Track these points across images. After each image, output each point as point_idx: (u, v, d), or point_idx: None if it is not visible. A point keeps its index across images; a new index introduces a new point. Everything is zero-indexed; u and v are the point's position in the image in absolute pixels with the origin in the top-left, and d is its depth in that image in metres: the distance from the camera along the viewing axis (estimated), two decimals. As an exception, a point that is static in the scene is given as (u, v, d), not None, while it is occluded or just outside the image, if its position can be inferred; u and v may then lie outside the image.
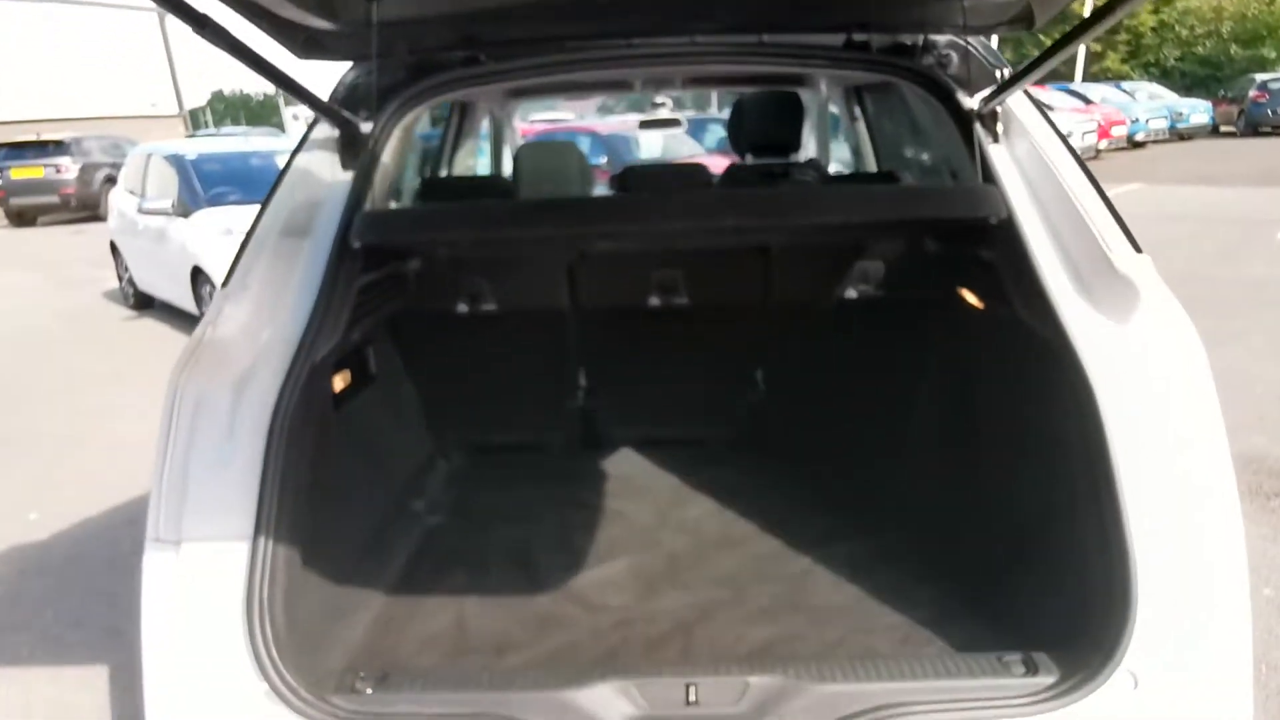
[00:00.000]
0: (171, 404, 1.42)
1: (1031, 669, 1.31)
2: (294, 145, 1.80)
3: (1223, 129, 20.10)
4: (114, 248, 8.03)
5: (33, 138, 15.78)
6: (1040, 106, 1.72)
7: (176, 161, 7.27)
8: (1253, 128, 18.93)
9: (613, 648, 1.63)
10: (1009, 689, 1.27)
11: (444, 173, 3.65)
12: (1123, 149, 18.10)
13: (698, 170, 2.47)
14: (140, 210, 6.93)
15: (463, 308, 2.32)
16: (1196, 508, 1.30)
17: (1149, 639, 1.25)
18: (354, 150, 1.73)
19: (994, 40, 1.91)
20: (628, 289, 2.31)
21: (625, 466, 2.51)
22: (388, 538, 2.01)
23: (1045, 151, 1.60)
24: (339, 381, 1.84)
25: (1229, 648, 1.25)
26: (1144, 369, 1.36)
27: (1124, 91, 20.23)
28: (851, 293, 2.27)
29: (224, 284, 1.54)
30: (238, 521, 1.38)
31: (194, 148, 8.07)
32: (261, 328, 1.52)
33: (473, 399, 2.57)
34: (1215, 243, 8.45)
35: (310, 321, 1.54)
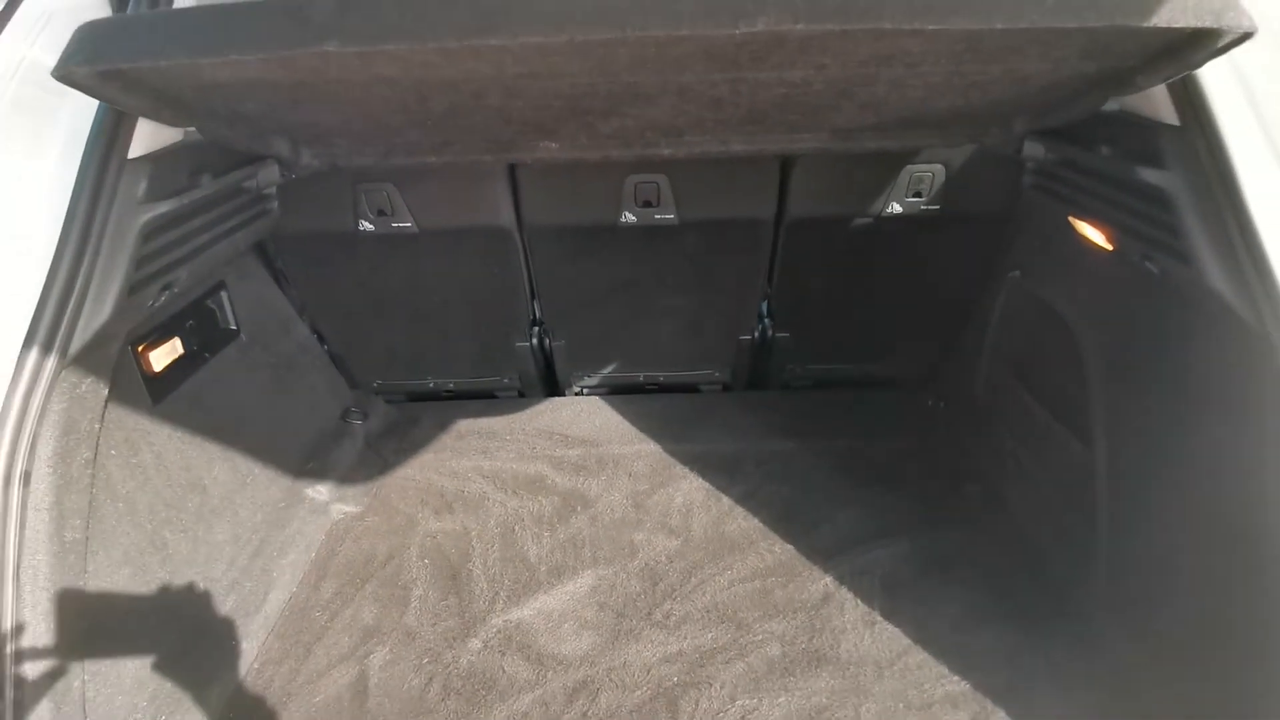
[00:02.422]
0: None
1: None
2: None
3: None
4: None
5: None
6: None
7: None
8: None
9: None
10: None
11: None
12: None
13: None
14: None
15: (367, 225, 1.68)
16: None
17: None
18: None
19: None
20: (593, 201, 1.68)
21: (593, 424, 1.98)
22: (273, 552, 1.49)
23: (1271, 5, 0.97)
24: (160, 358, 1.25)
25: None
26: None
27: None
28: (895, 207, 1.66)
29: None
30: None
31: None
32: None
33: (393, 337, 1.98)
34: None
35: (46, 293, 0.93)
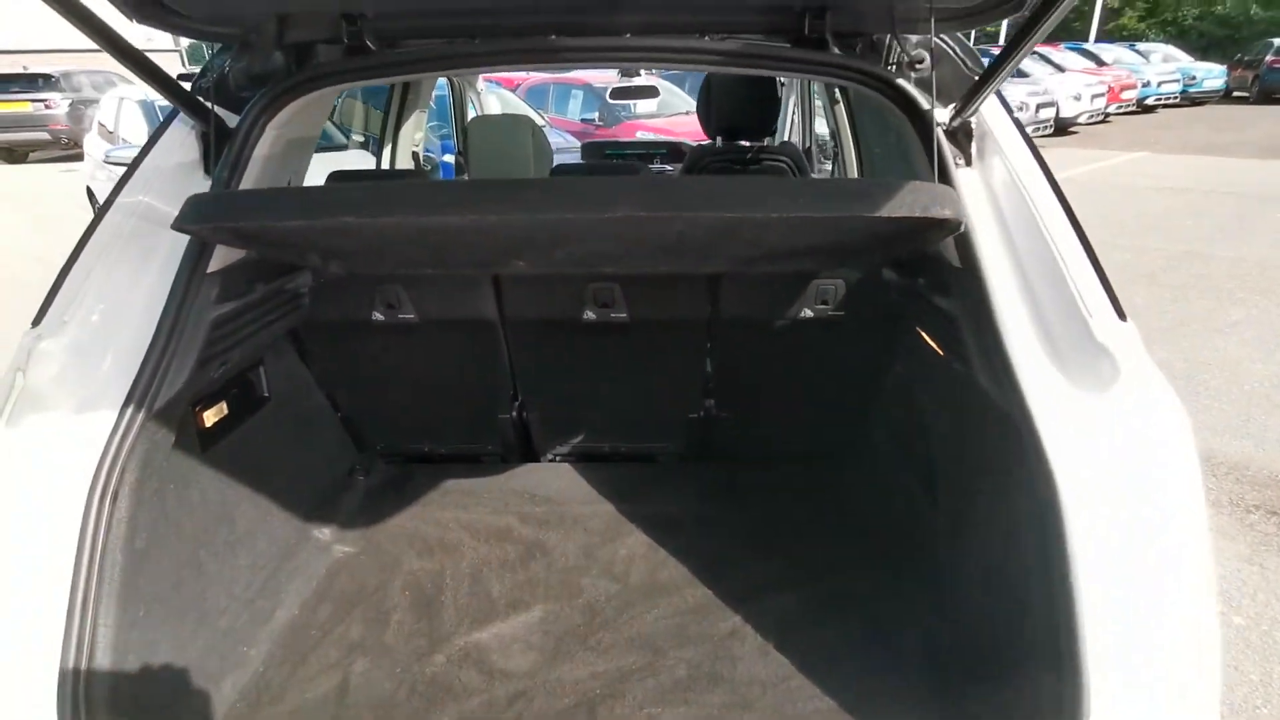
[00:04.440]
0: None
1: None
2: None
3: (1235, 94, 19.55)
4: (90, 194, 7.73)
5: (19, 70, 15.16)
6: (1020, 125, 1.47)
7: (147, 108, 6.97)
8: (1266, 94, 18.40)
9: None
10: None
11: (386, 154, 3.36)
12: (1132, 113, 17.69)
13: (636, 168, 2.20)
14: (107, 160, 6.64)
15: (378, 316, 2.09)
16: (1166, 623, 1.11)
17: None
18: (217, 150, 1.47)
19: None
20: (560, 301, 2.08)
21: (559, 486, 2.31)
22: (282, 578, 1.82)
23: (1024, 183, 1.36)
24: (210, 416, 1.63)
25: None
26: (1117, 457, 1.16)
27: (1138, 53, 19.62)
28: (807, 312, 2.04)
29: (36, 321, 1.31)
30: (50, 601, 1.19)
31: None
32: (86, 373, 1.30)
33: (395, 408, 2.35)
34: (1218, 219, 8.20)
35: (144, 366, 1.31)
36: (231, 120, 1.54)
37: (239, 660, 1.60)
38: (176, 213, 1.35)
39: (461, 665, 1.62)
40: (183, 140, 1.52)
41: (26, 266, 7.23)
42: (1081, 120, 15.76)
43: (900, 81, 1.44)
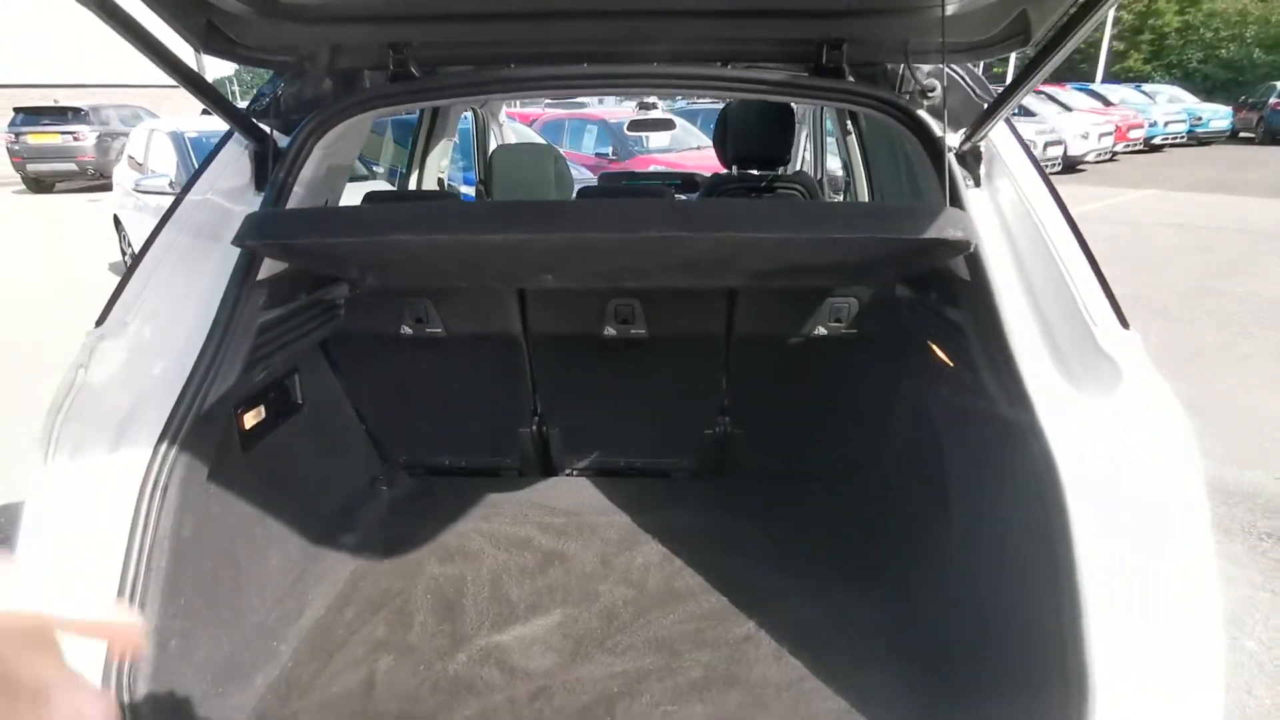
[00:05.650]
0: (43, 456, 1.30)
1: None
2: None
3: (1241, 135, 19.76)
4: (117, 221, 7.98)
5: (50, 103, 15.70)
6: (1025, 145, 1.55)
7: (176, 139, 7.19)
8: (1272, 135, 18.61)
9: None
10: None
11: (414, 180, 3.48)
12: (1139, 152, 17.88)
13: (661, 191, 2.30)
14: (136, 188, 6.85)
15: (406, 330, 2.17)
16: (1171, 625, 1.15)
17: None
18: (267, 169, 1.58)
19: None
20: (581, 317, 2.16)
21: (577, 499, 2.37)
22: (309, 581, 1.88)
23: (1031, 202, 1.43)
24: (250, 419, 1.70)
25: None
26: (1121, 460, 1.21)
27: (1144, 94, 19.92)
28: (821, 330, 2.11)
29: (99, 322, 1.40)
30: (100, 585, 1.26)
31: (197, 126, 7.88)
32: (142, 372, 1.38)
33: (418, 421, 2.43)
34: (1228, 255, 8.27)
35: (196, 366, 1.39)
36: (281, 142, 1.65)
37: (270, 655, 1.65)
38: (229, 226, 1.45)
39: (483, 664, 1.67)
40: (236, 160, 1.62)
41: (50, 295, 7.37)
42: (1089, 158, 15.94)
43: (913, 108, 1.53)
